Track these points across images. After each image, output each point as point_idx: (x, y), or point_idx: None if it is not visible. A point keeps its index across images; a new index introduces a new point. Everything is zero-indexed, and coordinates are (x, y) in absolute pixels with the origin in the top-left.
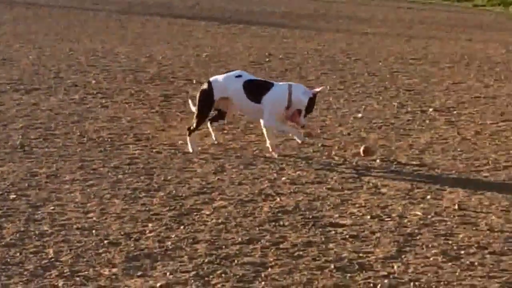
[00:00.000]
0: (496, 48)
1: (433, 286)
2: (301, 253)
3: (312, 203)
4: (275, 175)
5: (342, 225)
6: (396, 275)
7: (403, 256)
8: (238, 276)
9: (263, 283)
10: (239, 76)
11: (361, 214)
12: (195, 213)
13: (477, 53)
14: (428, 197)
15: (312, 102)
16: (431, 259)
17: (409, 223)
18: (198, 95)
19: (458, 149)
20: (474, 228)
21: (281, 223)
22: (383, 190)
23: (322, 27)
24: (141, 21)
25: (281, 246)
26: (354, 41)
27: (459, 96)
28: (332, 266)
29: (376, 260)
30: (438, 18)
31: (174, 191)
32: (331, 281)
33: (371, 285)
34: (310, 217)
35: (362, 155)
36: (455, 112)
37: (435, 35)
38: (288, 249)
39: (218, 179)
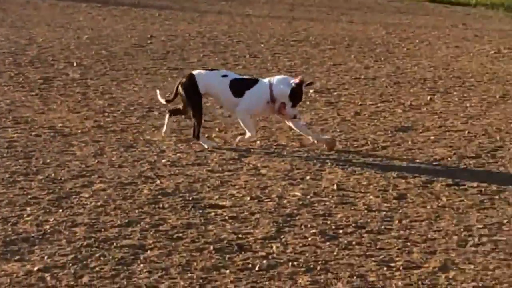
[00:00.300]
0: (376, 29)
1: (311, 266)
2: (180, 235)
3: (192, 185)
4: (155, 157)
5: (222, 207)
6: (274, 255)
7: (282, 237)
8: (117, 259)
9: (142, 265)
10: (225, 76)
11: (240, 195)
12: (74, 196)
13: (357, 35)
14: (307, 177)
15: (295, 92)
16: (310, 239)
17: (288, 204)
18: (183, 91)
19: (338, 130)
20: (352, 208)
21: (161, 205)
22: (263, 171)
23: (204, 9)
24: (21, 3)
25: (160, 228)
26: (236, 23)
27: (340, 77)
28: (211, 248)
29: (255, 240)
30: (319, 0)
31: (53, 174)
32: (210, 262)
33: (250, 265)
34: (190, 199)
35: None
36: (335, 93)
37: (316, 17)
38: (168, 231)
39: (98, 161)
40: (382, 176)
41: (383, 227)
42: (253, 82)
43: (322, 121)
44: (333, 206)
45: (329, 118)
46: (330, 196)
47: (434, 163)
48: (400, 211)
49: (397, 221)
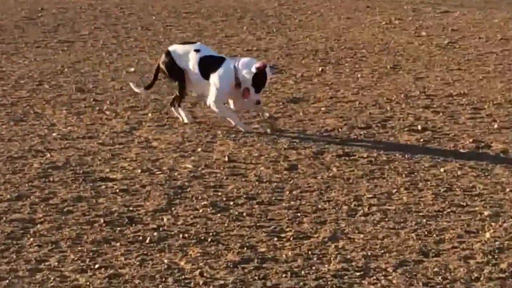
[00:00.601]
0: (268, 1)
1: (202, 237)
2: (70, 208)
3: (83, 158)
4: (45, 131)
5: (113, 180)
6: (165, 227)
7: (173, 209)
8: (6, 233)
9: (31, 239)
10: (198, 50)
11: (132, 168)
12: None
13: (250, 6)
14: (199, 149)
15: (258, 78)
16: (201, 210)
17: (179, 176)
18: (162, 67)
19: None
20: (243, 179)
21: (51, 179)
22: (154, 143)
23: None
24: None
25: (50, 202)
26: None
27: (232, 49)
28: (102, 220)
29: (146, 213)
30: None
31: None
32: (101, 235)
33: (141, 238)
34: (81, 172)
35: None
36: None
37: None
38: (58, 205)
39: None
40: (273, 148)
41: (273, 198)
42: (219, 62)
43: None
44: (224, 177)
45: None
46: (221, 168)
47: (325, 134)
48: (291, 182)
49: (287, 192)
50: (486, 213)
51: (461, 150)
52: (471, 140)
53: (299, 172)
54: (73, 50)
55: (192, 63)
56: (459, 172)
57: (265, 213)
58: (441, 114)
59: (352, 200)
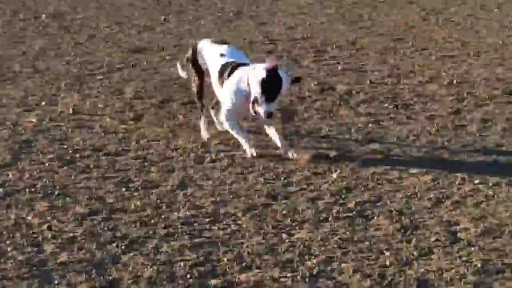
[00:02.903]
0: None
1: (49, 191)
2: None
3: None
4: None
5: None
6: (11, 182)
7: (18, 164)
8: None
9: None
10: (223, 55)
11: None
12: None
13: None
14: (43, 103)
15: (268, 82)
16: (47, 164)
17: (23, 131)
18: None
19: (72, 54)
20: (89, 131)
21: None
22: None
23: None
24: None
25: None
26: None
27: (73, 0)
28: None
29: None
30: None
31: None
32: None
33: None
34: None
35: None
36: (68, 17)
37: None
38: None
39: None
40: (118, 98)
41: (120, 148)
42: (235, 68)
43: (55, 45)
44: (70, 130)
45: (63, 42)
46: (67, 121)
47: (169, 83)
48: (137, 132)
49: (134, 142)
50: (332, 154)
51: (307, 93)
52: (315, 83)
53: (145, 122)
54: None
55: (213, 69)
56: (305, 115)
57: (112, 164)
58: (285, 58)
59: (199, 147)
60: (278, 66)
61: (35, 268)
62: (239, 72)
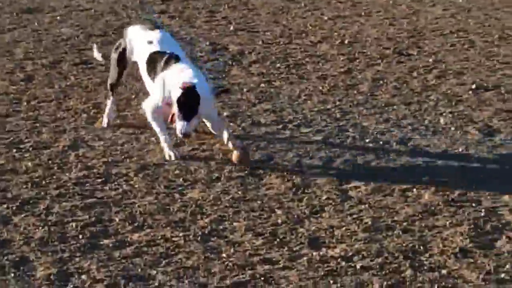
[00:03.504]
0: None
1: None
2: None
3: None
4: None
5: None
6: None
7: None
8: None
9: None
10: (151, 42)
11: None
12: None
13: None
14: None
15: (183, 101)
16: None
17: None
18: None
19: None
20: None
21: None
22: None
23: None
24: None
25: None
26: None
27: None
28: None
29: None
30: None
31: None
32: None
33: None
34: None
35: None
36: None
37: None
38: None
39: None
40: (8, 59)
41: (11, 109)
42: (168, 63)
43: None
44: None
45: None
46: None
47: (61, 43)
48: (28, 93)
49: (25, 103)
50: (224, 113)
51: (198, 54)
52: (207, 43)
53: (36, 83)
54: None
55: (141, 59)
56: None
57: (2, 125)
58: (177, 18)
59: (91, 108)
60: (192, 86)
61: None
62: (171, 74)
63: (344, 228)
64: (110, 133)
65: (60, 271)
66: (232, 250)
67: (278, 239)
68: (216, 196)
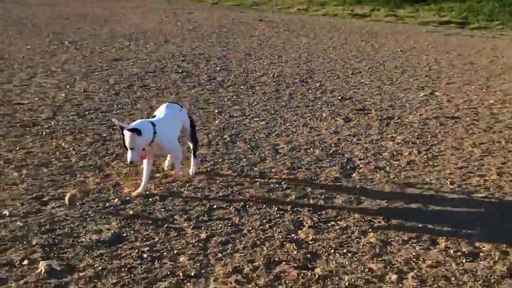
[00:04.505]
0: None
1: None
2: None
3: None
4: None
5: None
6: None
7: None
8: None
9: None
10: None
11: None
12: None
13: None
14: None
15: (127, 138)
16: None
17: None
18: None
19: None
20: None
21: None
22: None
23: None
24: None
25: None
26: None
27: None
28: None
29: None
30: None
31: None
32: None
33: None
34: None
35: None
36: None
37: None
38: None
39: None
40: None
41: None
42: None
43: None
44: None
45: None
46: None
47: (132, 76)
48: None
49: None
50: (216, 110)
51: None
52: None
53: (121, 96)
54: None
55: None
56: None
57: None
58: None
59: None
60: (136, 130)
61: None
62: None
63: None
64: None
65: None
66: None
67: None
68: None
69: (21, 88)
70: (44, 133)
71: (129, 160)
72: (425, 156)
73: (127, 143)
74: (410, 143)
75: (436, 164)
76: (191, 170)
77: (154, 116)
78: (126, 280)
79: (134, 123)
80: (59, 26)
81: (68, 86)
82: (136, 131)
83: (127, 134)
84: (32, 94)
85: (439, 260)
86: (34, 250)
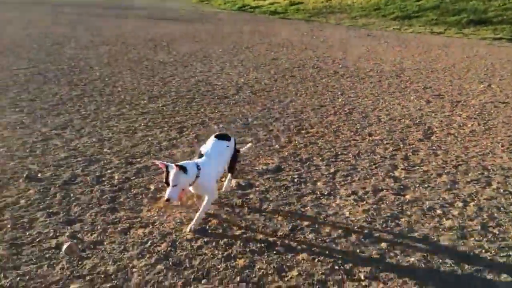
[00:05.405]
0: None
1: None
2: None
3: None
4: None
5: None
6: None
7: None
8: None
9: None
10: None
11: None
12: None
13: None
14: None
15: (171, 175)
16: None
17: None
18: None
19: None
20: None
21: None
22: None
23: None
24: None
25: None
26: None
27: None
28: None
29: None
30: None
31: None
32: None
33: None
34: None
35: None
36: None
37: None
38: None
39: None
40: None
41: None
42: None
43: None
44: None
45: None
46: None
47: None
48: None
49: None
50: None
51: None
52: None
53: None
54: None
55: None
56: None
57: None
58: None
59: None
60: (183, 168)
61: None
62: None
63: None
64: None
65: None
66: None
67: None
68: None
69: (216, 75)
70: (231, 103)
71: (166, 196)
72: (483, 128)
73: (170, 179)
74: (472, 118)
75: (491, 133)
76: (224, 188)
77: (201, 152)
78: (284, 194)
79: (181, 162)
80: (237, 37)
81: (245, 75)
82: (182, 169)
83: (173, 170)
84: (223, 79)
85: (492, 195)
86: None
